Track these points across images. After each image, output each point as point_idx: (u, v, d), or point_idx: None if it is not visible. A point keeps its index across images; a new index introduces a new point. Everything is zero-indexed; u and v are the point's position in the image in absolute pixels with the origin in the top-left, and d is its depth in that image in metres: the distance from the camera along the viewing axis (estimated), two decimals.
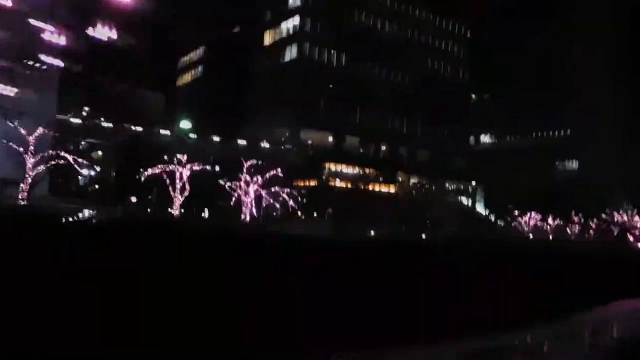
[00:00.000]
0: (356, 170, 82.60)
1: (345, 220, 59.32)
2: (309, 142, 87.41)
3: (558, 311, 8.78)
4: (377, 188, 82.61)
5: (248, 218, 44.66)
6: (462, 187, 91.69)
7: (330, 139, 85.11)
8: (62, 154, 37.70)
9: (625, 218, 67.76)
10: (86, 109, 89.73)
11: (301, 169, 77.40)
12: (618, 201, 70.92)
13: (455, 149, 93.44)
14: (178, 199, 40.63)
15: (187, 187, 40.61)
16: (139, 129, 72.16)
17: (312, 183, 78.95)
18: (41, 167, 37.86)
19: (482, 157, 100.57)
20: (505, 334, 6.64)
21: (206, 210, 58.31)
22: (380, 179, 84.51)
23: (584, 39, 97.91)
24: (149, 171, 38.91)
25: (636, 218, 67.97)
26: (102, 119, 79.29)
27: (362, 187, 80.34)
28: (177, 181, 40.65)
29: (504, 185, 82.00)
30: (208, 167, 41.94)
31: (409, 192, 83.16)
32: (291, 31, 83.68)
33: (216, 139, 77.57)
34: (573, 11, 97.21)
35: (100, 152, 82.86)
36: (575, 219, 68.28)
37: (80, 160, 44.46)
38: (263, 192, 43.44)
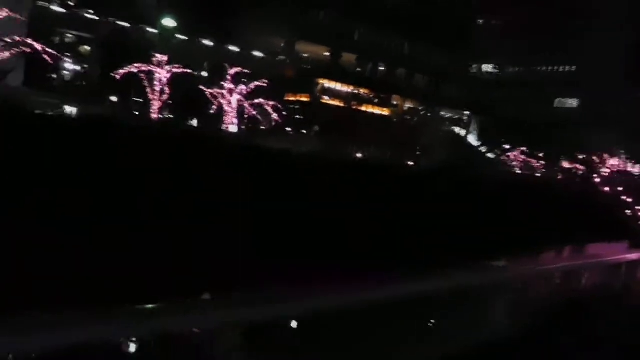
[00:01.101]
0: (351, 89, 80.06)
1: (334, 139, 58.17)
2: (305, 55, 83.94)
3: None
4: (370, 109, 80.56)
5: (231, 128, 43.15)
6: (457, 116, 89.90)
7: (327, 54, 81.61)
8: (30, 41, 35.03)
9: (597, 159, 66.74)
10: None
11: (294, 83, 74.82)
12: (610, 143, 69.86)
13: (456, 76, 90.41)
14: (156, 102, 38.79)
15: (167, 90, 38.61)
16: (126, 24, 68.28)
17: (304, 99, 76.69)
18: (6, 54, 35.41)
19: (482, 87, 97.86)
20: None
21: (195, 118, 56.70)
22: (375, 101, 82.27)
23: None
24: (124, 70, 36.60)
25: (612, 161, 67.10)
26: (91, 10, 75.01)
27: (356, 107, 78.33)
28: (157, 83, 38.55)
29: (500, 118, 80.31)
30: (189, 71, 39.53)
31: (402, 117, 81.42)
32: None
33: (207, 42, 73.88)
34: None
35: (88, 47, 79.18)
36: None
37: (57, 53, 41.96)
38: (246, 103, 41.57)
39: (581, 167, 66.09)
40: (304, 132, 70.26)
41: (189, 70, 39.33)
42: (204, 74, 56.92)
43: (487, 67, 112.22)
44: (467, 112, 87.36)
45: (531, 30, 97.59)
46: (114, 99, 50.17)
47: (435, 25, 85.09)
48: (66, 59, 74.38)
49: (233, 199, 14.51)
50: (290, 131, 68.26)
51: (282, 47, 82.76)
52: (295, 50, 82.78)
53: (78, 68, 71.90)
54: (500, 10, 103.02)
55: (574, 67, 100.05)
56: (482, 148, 76.36)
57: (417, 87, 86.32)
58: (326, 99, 76.91)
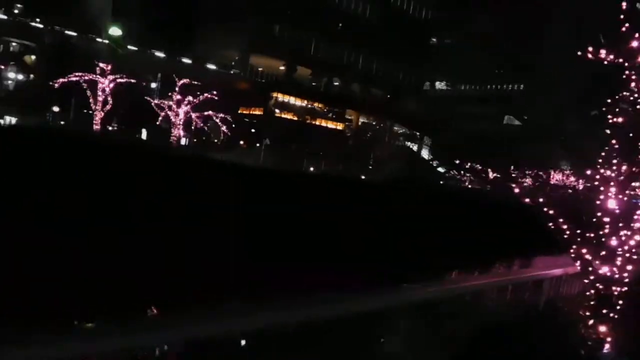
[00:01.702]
0: (305, 103, 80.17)
1: (286, 153, 57.90)
2: (259, 68, 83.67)
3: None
4: (324, 124, 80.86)
5: (180, 140, 42.20)
6: (410, 131, 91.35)
7: (282, 67, 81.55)
8: None
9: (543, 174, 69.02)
10: (19, 6, 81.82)
11: (248, 96, 74.32)
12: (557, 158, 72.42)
13: (409, 92, 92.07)
14: (99, 113, 37.48)
15: (110, 100, 37.38)
16: (73, 33, 66.27)
17: (258, 112, 76.28)
18: None
19: (434, 103, 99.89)
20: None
21: (143, 130, 55.24)
22: (330, 115, 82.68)
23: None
24: (63, 79, 35.24)
25: (557, 175, 69.37)
26: (37, 19, 72.53)
27: (310, 121, 78.45)
28: (99, 93, 37.29)
29: (451, 133, 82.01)
30: (133, 81, 38.47)
31: (356, 131, 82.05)
32: None
33: (159, 54, 72.62)
34: None
35: (33, 57, 76.35)
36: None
37: None
38: (194, 115, 40.78)
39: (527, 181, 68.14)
40: (257, 145, 69.79)
41: (133, 80, 38.18)
42: (154, 85, 55.68)
43: (440, 85, 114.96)
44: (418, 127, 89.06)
45: (484, 50, 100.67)
46: (55, 109, 48.39)
47: (390, 41, 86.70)
48: (9, 68, 71.56)
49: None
50: (242, 144, 67.68)
51: (236, 60, 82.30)
52: (250, 63, 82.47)
53: (21, 77, 69.19)
54: (455, 30, 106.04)
55: (521, 86, 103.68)
56: (434, 162, 77.91)
57: (371, 102, 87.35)
58: (280, 113, 76.69)
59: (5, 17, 66.29)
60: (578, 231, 6.23)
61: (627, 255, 6.60)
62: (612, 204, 5.89)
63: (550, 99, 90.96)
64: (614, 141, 6.34)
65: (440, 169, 72.15)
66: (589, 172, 6.13)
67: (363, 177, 58.20)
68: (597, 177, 5.88)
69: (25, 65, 70.80)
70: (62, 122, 48.17)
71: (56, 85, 35.60)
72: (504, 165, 69.57)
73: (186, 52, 77.13)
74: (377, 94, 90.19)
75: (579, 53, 6.07)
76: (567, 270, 7.46)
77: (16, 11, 77.82)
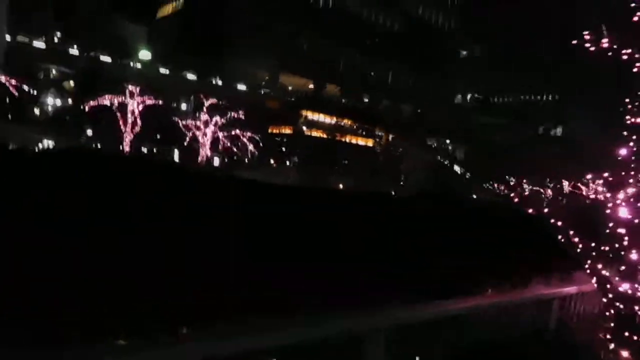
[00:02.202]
0: (334, 120, 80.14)
1: (315, 170, 57.74)
2: (289, 87, 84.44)
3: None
4: (354, 140, 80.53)
5: (210, 159, 42.61)
6: (442, 144, 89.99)
7: (311, 85, 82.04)
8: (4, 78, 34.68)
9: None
10: (58, 34, 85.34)
11: (278, 115, 74.88)
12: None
13: (440, 105, 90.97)
14: (128, 134, 38.23)
15: (139, 121, 38.13)
16: (108, 59, 68.58)
17: (287, 130, 76.64)
18: None
19: (466, 116, 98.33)
20: None
21: (175, 150, 56.20)
22: (359, 132, 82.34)
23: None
24: (92, 102, 36.16)
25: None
26: (75, 46, 75.47)
27: (339, 138, 78.24)
28: (129, 115, 38.11)
29: (484, 145, 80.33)
30: (161, 102, 39.17)
31: (386, 146, 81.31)
32: None
33: (191, 76, 74.29)
34: None
35: (72, 82, 79.33)
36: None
37: (36, 87, 41.79)
38: (221, 135, 41.13)
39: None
40: (287, 163, 70.00)
41: (160, 102, 38.88)
42: (184, 106, 56.74)
43: (471, 96, 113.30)
44: (448, 140, 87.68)
45: (514, 61, 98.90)
46: (89, 132, 49.80)
47: (419, 55, 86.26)
48: (48, 94, 74.44)
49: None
50: (272, 163, 68.02)
51: (266, 79, 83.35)
52: (280, 82, 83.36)
53: (59, 102, 71.86)
54: (483, 42, 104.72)
55: (557, 97, 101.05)
56: (467, 175, 76.21)
57: (401, 115, 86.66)
58: (309, 130, 76.82)
59: (43, 45, 69.26)
60: (593, 244, 5.62)
61: None
62: (625, 212, 5.29)
63: (586, 110, 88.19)
64: (631, 144, 5.72)
65: (475, 182, 70.43)
66: (601, 177, 5.54)
67: (392, 192, 57.46)
68: (611, 182, 5.30)
69: (64, 90, 73.58)
70: (95, 144, 49.56)
71: (86, 108, 36.43)
72: (534, 177, 67.43)
73: (217, 73, 78.66)
74: (406, 109, 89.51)
75: (574, 42, 5.53)
76: (582, 287, 6.79)
77: (56, 39, 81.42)
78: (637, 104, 5.96)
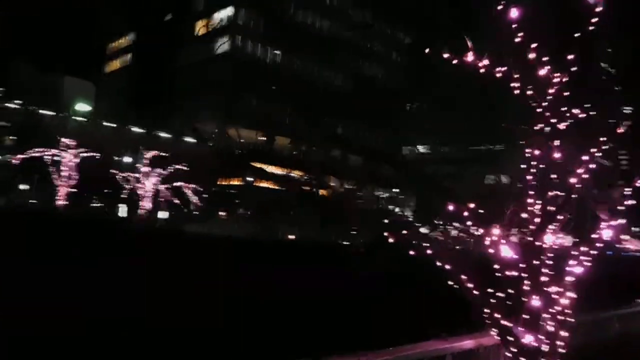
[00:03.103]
0: (284, 171, 79.97)
1: (264, 222, 56.67)
2: (239, 140, 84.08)
3: None
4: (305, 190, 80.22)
5: (147, 213, 40.88)
6: (392, 194, 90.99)
7: (260, 137, 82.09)
8: None
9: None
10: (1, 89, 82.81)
11: (227, 167, 74.01)
12: None
13: (388, 156, 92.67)
14: (63, 187, 36.40)
15: (74, 174, 36.47)
16: (49, 113, 66.45)
17: (237, 182, 75.67)
18: None
19: (415, 166, 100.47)
20: None
21: (121, 205, 53.88)
22: (311, 182, 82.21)
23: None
24: (23, 155, 34.40)
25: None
26: (16, 101, 72.99)
27: (290, 189, 77.78)
28: (64, 168, 36.43)
29: (433, 194, 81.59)
30: (97, 155, 37.66)
31: (337, 197, 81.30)
32: (224, 22, 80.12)
33: (136, 129, 72.80)
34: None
35: (13, 137, 76.31)
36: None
37: None
38: (162, 187, 39.81)
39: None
40: (236, 215, 68.64)
41: (96, 154, 37.39)
42: (128, 159, 55.05)
43: (420, 147, 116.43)
44: (394, 190, 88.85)
45: (458, 112, 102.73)
46: (22, 187, 47.31)
47: (366, 109, 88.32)
48: None
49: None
50: (221, 214, 66.49)
51: (215, 132, 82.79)
52: (229, 134, 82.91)
53: None
54: (428, 94, 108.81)
55: (501, 146, 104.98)
56: (417, 224, 76.79)
57: (352, 167, 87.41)
58: (259, 182, 76.17)
59: None
60: (489, 290, 5.05)
61: (560, 318, 5.39)
62: (508, 251, 4.78)
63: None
64: (529, 177, 5.29)
65: (424, 230, 70.87)
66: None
67: (344, 242, 56.95)
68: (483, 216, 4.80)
69: (3, 146, 70.54)
70: (30, 200, 47.02)
71: (14, 161, 34.60)
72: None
73: (165, 127, 77.56)
74: (357, 159, 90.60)
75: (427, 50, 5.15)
76: (482, 340, 6.18)
77: None
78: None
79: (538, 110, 5.48)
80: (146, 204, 39.13)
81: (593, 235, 6.22)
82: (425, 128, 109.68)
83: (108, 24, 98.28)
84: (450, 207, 4.72)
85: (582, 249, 6.44)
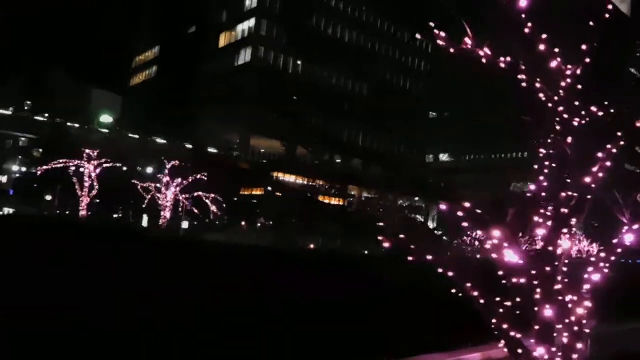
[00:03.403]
0: (305, 181, 79.84)
1: (285, 231, 56.53)
2: (261, 149, 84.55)
3: None
4: (327, 200, 79.93)
5: (166, 222, 41.11)
6: (415, 203, 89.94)
7: (282, 147, 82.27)
8: None
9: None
10: (28, 102, 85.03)
11: (249, 176, 74.33)
12: None
13: (411, 165, 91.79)
14: (85, 198, 36.89)
15: (96, 185, 36.94)
16: (75, 125, 67.96)
17: (258, 192, 75.82)
18: None
19: (438, 174, 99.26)
20: None
21: (144, 216, 54.50)
22: (331, 191, 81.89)
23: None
24: (46, 167, 35.02)
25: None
26: (46, 114, 74.86)
27: (312, 199, 77.60)
28: (86, 178, 36.94)
29: (454, 202, 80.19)
30: (119, 164, 38.06)
31: (358, 206, 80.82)
32: (246, 33, 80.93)
33: (160, 140, 73.83)
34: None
35: (40, 150, 78.16)
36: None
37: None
38: (182, 197, 40.01)
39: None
40: (258, 224, 68.74)
41: (118, 164, 37.79)
42: (150, 169, 55.66)
43: (443, 156, 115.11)
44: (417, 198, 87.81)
45: (484, 121, 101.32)
46: (48, 197, 48.21)
47: (389, 117, 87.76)
48: (15, 161, 73.03)
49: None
50: (243, 224, 66.65)
51: (237, 142, 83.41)
52: (251, 145, 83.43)
53: (24, 169, 70.36)
54: (452, 103, 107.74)
55: (525, 154, 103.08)
56: (438, 232, 75.56)
57: (374, 175, 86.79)
58: (281, 191, 76.15)
59: (9, 112, 68.51)
60: (497, 298, 4.67)
61: (575, 329, 4.97)
62: (512, 256, 4.40)
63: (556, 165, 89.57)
64: (541, 177, 4.92)
65: (445, 238, 69.67)
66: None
67: (365, 251, 56.38)
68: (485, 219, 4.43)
69: (33, 158, 72.28)
70: (55, 210, 47.89)
71: (39, 172, 35.24)
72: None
73: (188, 137, 78.47)
74: (378, 168, 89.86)
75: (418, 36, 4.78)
76: (489, 353, 5.75)
77: (26, 107, 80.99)
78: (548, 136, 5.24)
79: (549, 104, 5.10)
80: (167, 213, 39.33)
81: (613, 240, 5.82)
82: (447, 136, 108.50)
83: (135, 38, 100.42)
84: (443, 207, 4.38)
85: (601, 255, 6.01)
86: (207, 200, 42.54)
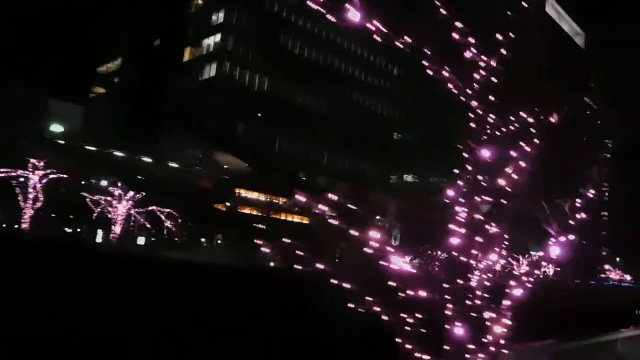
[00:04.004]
0: (269, 198, 78.88)
1: (246, 248, 55.38)
2: (225, 166, 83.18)
3: None
4: (290, 218, 79.04)
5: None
6: (379, 223, 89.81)
7: (246, 164, 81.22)
8: None
9: None
10: None
11: (211, 193, 72.97)
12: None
13: (375, 185, 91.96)
14: (29, 210, 35.04)
15: (40, 197, 35.17)
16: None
17: (222, 207, 74.41)
18: None
19: (402, 195, 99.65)
20: None
21: (99, 231, 52.24)
22: (295, 209, 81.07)
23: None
24: None
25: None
26: None
27: (275, 216, 76.68)
28: (30, 190, 35.15)
29: (419, 224, 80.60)
30: (65, 175, 36.40)
31: (323, 225, 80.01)
32: (212, 49, 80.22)
33: (118, 153, 71.65)
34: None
35: None
36: None
37: None
38: (133, 211, 38.54)
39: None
40: (219, 241, 67.33)
41: (64, 175, 36.15)
42: (104, 183, 53.77)
43: (407, 177, 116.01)
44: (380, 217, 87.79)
45: (446, 144, 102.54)
46: None
47: (355, 137, 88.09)
48: None
49: None
50: (203, 241, 65.09)
51: (200, 158, 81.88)
52: (215, 160, 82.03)
53: None
54: (418, 125, 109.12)
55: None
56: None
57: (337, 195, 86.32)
58: (243, 208, 75.01)
59: None
60: (402, 315, 4.05)
61: (492, 350, 4.39)
62: (400, 262, 3.84)
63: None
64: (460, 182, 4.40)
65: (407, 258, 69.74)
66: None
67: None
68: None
69: None
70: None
71: None
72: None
73: (149, 151, 76.51)
74: (343, 186, 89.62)
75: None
76: None
77: None
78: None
79: (462, 98, 4.61)
80: (117, 228, 37.76)
81: (539, 253, 5.43)
82: (414, 157, 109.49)
83: (98, 48, 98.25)
84: (300, 198, 3.78)
85: (525, 267, 5.59)
86: (161, 216, 41.22)
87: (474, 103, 4.46)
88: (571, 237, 5.74)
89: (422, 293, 4.02)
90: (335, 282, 3.91)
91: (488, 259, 5.93)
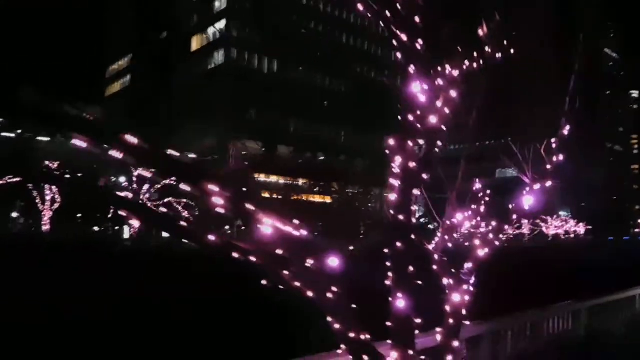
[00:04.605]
0: (289, 180, 78.66)
1: None
2: (241, 152, 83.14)
3: None
4: (311, 198, 78.83)
5: (137, 232, 39.82)
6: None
7: (261, 148, 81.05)
8: None
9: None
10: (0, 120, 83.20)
11: (227, 180, 73.08)
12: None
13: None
14: (47, 212, 35.49)
15: (58, 198, 35.55)
16: (46, 139, 66.25)
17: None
18: None
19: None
20: None
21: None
22: (315, 189, 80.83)
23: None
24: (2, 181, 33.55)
25: None
26: (19, 130, 73.17)
27: (295, 198, 76.48)
28: (47, 192, 35.54)
29: (442, 194, 79.47)
30: (80, 175, 36.54)
31: (344, 203, 79.69)
32: (218, 35, 79.62)
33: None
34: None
35: None
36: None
37: None
38: (150, 204, 38.58)
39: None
40: (242, 228, 67.51)
41: (79, 174, 36.26)
42: (122, 179, 54.18)
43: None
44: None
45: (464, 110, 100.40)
46: (14, 215, 46.62)
47: (369, 111, 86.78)
48: None
49: None
50: (227, 229, 65.37)
51: (215, 146, 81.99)
52: (229, 147, 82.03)
53: None
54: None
55: (509, 138, 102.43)
56: (424, 220, 74.84)
57: (357, 171, 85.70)
58: (262, 193, 74.92)
59: None
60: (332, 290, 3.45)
61: (450, 322, 3.77)
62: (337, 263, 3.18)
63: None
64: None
65: (430, 226, 68.95)
66: None
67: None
68: None
69: None
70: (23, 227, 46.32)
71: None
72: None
73: (165, 144, 76.96)
74: (361, 162, 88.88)
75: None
76: None
77: None
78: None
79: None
80: (136, 224, 37.93)
81: (510, 205, 4.90)
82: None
83: (107, 47, 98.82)
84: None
85: (493, 223, 4.98)
86: (178, 207, 41.39)
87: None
88: (548, 183, 5.06)
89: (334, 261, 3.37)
90: (237, 256, 3.24)
91: (461, 221, 5.30)
